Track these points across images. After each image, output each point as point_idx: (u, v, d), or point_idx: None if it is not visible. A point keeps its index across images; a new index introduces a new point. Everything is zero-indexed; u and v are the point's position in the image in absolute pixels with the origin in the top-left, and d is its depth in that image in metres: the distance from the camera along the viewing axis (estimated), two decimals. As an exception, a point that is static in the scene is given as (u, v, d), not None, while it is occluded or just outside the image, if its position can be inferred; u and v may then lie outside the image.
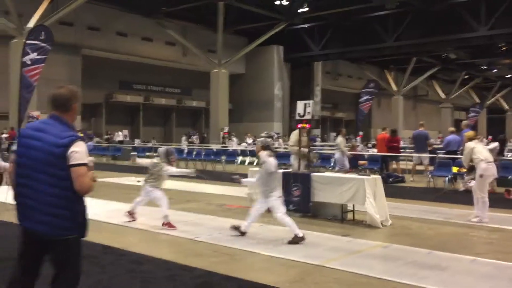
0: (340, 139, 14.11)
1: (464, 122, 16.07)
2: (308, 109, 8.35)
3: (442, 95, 51.56)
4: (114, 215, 8.41)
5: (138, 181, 8.03)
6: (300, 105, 8.49)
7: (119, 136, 29.38)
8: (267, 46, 36.08)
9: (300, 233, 6.33)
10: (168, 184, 13.53)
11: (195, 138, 31.17)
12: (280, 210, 6.47)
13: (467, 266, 5.53)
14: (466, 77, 49.36)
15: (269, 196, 6.48)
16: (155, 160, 7.84)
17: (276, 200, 6.48)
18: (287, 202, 8.41)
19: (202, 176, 7.75)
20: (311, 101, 8.60)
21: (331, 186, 7.97)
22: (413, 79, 44.39)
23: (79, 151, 2.94)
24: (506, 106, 60.40)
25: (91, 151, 24.06)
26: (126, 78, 35.72)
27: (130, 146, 24.95)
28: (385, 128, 14.34)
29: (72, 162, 2.92)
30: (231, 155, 19.55)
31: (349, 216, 8.13)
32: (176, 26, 32.98)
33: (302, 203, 8.25)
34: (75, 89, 3.12)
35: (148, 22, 31.83)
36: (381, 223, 7.74)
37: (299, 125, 8.50)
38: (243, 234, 6.66)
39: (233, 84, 35.84)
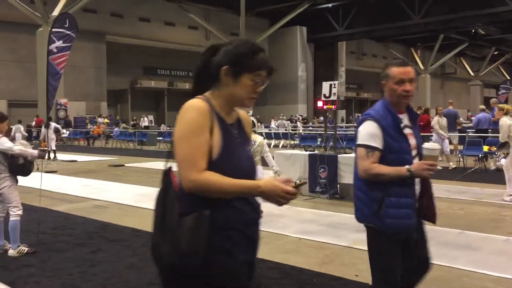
0: (436, 119, 13.31)
1: (493, 100, 15.62)
2: (334, 90, 8.24)
3: (471, 73, 50.30)
4: (143, 199, 8.53)
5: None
6: (325, 86, 8.38)
7: (145, 121, 29.70)
8: (290, 27, 35.72)
9: None
10: (146, 164, 13.67)
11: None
12: None
13: (500, 246, 5.41)
14: (495, 53, 47.97)
15: None
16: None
17: None
18: (314, 184, 8.41)
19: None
20: (336, 82, 8.49)
21: (358, 167, 7.89)
22: (441, 56, 43.41)
23: (359, 131, 2.69)
24: (538, 82, 58.58)
25: (118, 137, 24.42)
26: (150, 64, 35.96)
27: (156, 131, 25.20)
28: (420, 107, 13.99)
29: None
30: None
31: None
32: (198, 9, 32.91)
33: (329, 184, 8.21)
34: (385, 67, 2.73)
35: (170, 7, 31.83)
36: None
37: (325, 106, 8.41)
38: None
39: (257, 67, 35.71)
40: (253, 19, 34.58)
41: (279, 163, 9.04)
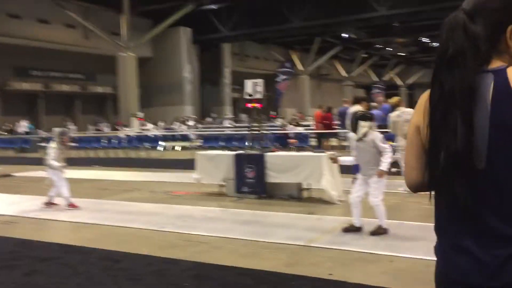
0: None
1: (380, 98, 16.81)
2: (258, 88, 8.17)
3: (344, 74, 53.93)
4: (53, 211, 7.70)
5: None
6: (249, 84, 8.28)
7: (21, 127, 27.10)
8: (174, 28, 35.04)
9: (385, 224, 5.62)
10: (99, 174, 12.71)
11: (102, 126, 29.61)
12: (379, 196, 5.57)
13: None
14: (364, 56, 51.98)
15: (372, 176, 5.54)
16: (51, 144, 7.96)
17: (378, 182, 5.55)
18: (240, 184, 8.27)
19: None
20: (261, 80, 8.42)
21: (286, 165, 7.92)
22: (317, 58, 45.83)
23: None
24: (400, 82, 64.77)
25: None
26: (22, 64, 32.86)
27: (38, 137, 23.09)
28: (321, 106, 14.58)
29: None
30: (153, 141, 18.82)
31: (305, 194, 8.13)
32: (76, 7, 30.81)
33: (256, 184, 8.11)
34: None
35: (43, 2, 29.38)
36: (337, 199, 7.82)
37: (249, 105, 8.31)
38: (359, 229, 5.74)
39: (140, 68, 34.48)
40: (135, 19, 33.25)
41: (202, 165, 8.74)
